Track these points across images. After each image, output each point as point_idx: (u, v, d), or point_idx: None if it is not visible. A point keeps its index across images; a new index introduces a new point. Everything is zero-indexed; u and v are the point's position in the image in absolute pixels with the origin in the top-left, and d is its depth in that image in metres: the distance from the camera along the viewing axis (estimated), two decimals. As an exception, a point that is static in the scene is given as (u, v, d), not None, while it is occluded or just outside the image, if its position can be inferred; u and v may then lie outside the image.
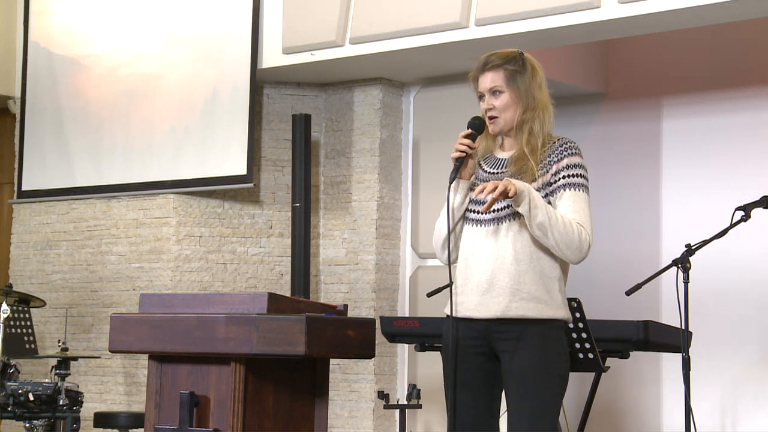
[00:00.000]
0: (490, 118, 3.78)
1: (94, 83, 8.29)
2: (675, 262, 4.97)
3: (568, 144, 3.77)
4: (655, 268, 5.43)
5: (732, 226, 5.10)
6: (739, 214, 5.12)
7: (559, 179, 3.71)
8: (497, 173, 3.79)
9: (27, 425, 6.59)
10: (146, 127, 7.96)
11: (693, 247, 5.02)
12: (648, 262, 7.36)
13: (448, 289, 3.84)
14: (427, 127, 7.81)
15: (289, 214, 7.71)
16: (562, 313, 3.74)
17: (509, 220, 3.70)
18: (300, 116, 7.63)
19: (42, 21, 8.62)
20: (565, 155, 3.73)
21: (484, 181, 3.75)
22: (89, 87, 8.31)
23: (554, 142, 3.77)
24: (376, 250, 7.65)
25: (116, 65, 8.19)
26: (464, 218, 3.81)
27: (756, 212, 5.16)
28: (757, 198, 5.18)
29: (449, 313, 3.83)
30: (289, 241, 7.72)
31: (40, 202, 8.49)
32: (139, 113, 8.02)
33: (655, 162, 7.88)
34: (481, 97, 3.81)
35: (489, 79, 3.78)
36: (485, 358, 3.75)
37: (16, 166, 8.67)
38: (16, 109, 8.79)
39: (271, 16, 7.55)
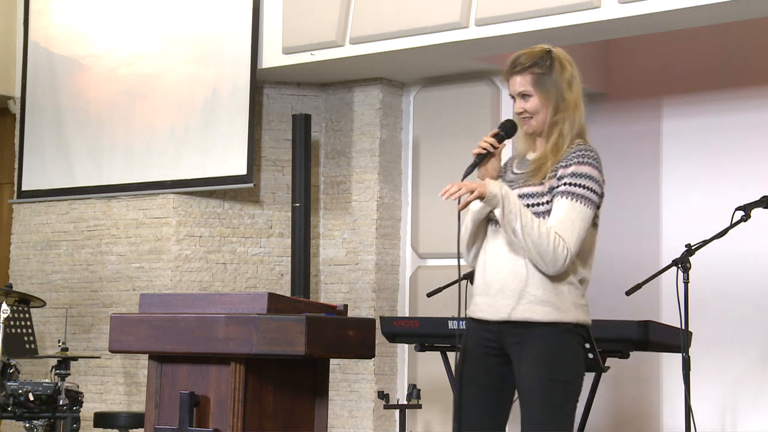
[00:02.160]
0: (524, 118, 3.74)
1: (94, 83, 8.29)
2: (675, 262, 4.97)
3: (583, 152, 3.68)
4: (655, 268, 5.43)
5: (732, 226, 5.10)
6: (739, 214, 5.13)
7: (561, 185, 3.63)
8: (521, 173, 3.74)
9: (27, 425, 6.59)
10: (146, 127, 7.96)
11: (693, 247, 5.02)
12: (648, 262, 7.36)
13: (465, 290, 3.80)
14: (427, 127, 7.81)
15: (289, 214, 7.71)
16: (573, 315, 3.65)
17: None
18: (300, 116, 7.63)
19: (42, 21, 8.62)
20: (574, 162, 3.65)
21: (510, 182, 3.73)
22: (89, 87, 8.31)
23: (572, 148, 3.69)
24: (376, 250, 7.65)
25: (116, 65, 8.19)
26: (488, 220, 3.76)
27: (756, 212, 5.16)
28: (757, 198, 5.19)
29: (467, 315, 3.77)
30: (289, 241, 7.72)
31: (40, 202, 8.49)
32: (139, 113, 8.02)
33: (655, 162, 7.88)
34: (513, 98, 3.78)
35: (518, 83, 3.72)
36: (498, 360, 3.69)
37: (16, 166, 8.67)
38: (16, 109, 8.79)
39: (271, 16, 7.55)
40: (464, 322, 3.82)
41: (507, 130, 3.75)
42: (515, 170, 3.79)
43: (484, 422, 3.70)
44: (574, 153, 3.67)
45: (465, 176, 3.66)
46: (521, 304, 3.62)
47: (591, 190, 3.64)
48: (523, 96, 3.73)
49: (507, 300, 3.64)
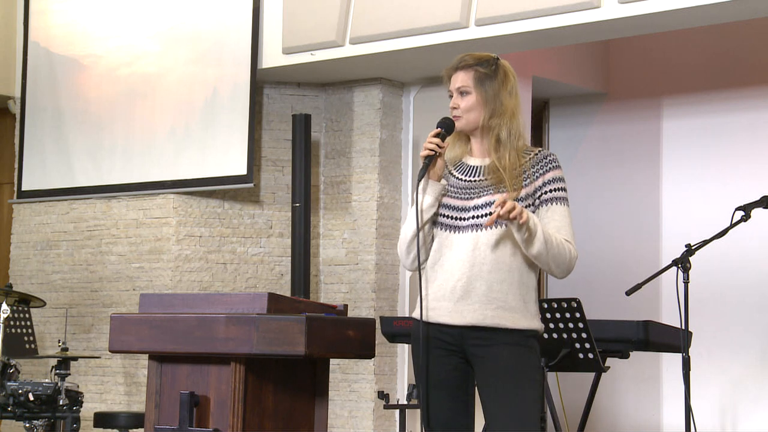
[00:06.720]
0: (454, 115, 3.77)
1: (94, 83, 8.29)
2: (675, 262, 4.98)
3: (552, 157, 3.77)
4: (655, 268, 5.44)
5: (732, 226, 5.11)
6: (739, 214, 5.13)
7: (546, 192, 3.71)
8: (472, 180, 3.75)
9: (27, 425, 6.59)
10: (146, 127, 7.96)
11: (693, 247, 5.03)
12: (648, 262, 7.36)
13: (419, 293, 3.79)
14: (427, 127, 7.80)
15: (289, 214, 7.71)
16: (537, 323, 3.72)
17: (489, 228, 3.66)
18: (300, 116, 7.64)
19: (42, 21, 8.62)
20: (550, 168, 3.73)
21: (457, 188, 3.74)
22: (89, 87, 8.31)
23: (536, 154, 3.75)
24: (376, 250, 7.65)
25: (116, 65, 8.19)
26: (435, 222, 3.76)
27: (756, 212, 5.17)
28: (757, 198, 5.20)
29: (417, 317, 3.78)
30: (289, 241, 7.72)
31: (40, 202, 8.49)
32: (139, 113, 8.02)
33: (655, 162, 7.89)
34: (450, 95, 3.80)
35: (459, 79, 3.76)
36: (459, 359, 3.72)
37: (16, 166, 8.67)
38: (16, 109, 8.79)
39: (271, 16, 7.55)
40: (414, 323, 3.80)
41: (447, 127, 3.76)
42: (458, 176, 3.78)
43: (461, 421, 3.73)
44: (547, 159, 3.75)
45: (420, 179, 3.69)
46: (489, 309, 3.64)
47: (566, 191, 3.77)
48: (461, 92, 3.75)
49: (474, 305, 3.65)
